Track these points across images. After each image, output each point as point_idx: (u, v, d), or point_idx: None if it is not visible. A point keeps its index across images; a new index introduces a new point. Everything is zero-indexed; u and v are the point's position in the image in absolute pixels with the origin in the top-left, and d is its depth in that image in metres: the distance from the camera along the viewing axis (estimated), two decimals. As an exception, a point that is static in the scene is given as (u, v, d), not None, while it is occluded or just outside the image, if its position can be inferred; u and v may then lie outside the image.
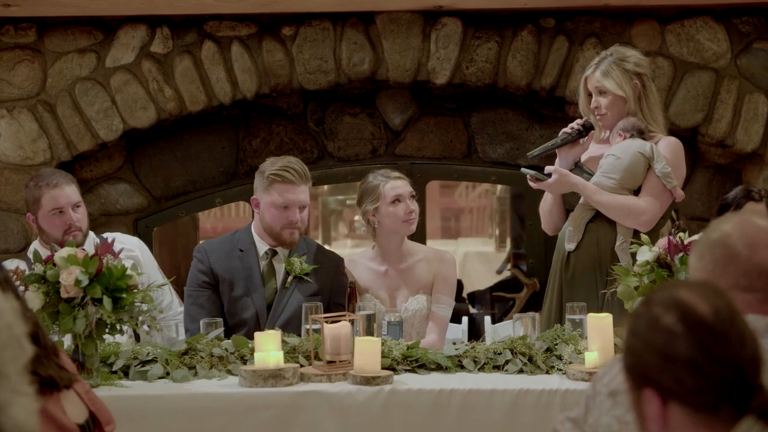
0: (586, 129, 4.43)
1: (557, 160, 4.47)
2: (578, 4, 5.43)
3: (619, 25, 5.50)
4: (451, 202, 10.90)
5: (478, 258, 9.49)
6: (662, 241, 3.84)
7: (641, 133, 4.34)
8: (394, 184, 4.47)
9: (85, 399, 2.63)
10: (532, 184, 4.38)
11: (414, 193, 4.52)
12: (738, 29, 5.51)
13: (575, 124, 4.44)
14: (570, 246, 4.36)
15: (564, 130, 4.45)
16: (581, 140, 4.45)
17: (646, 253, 3.82)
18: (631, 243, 3.97)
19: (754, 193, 4.62)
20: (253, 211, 4.45)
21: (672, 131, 5.58)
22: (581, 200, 4.36)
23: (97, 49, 5.47)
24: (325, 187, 9.31)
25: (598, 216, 4.34)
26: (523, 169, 4.37)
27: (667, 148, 4.35)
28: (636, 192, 4.33)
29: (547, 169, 4.34)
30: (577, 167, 4.44)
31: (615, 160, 4.31)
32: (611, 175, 4.30)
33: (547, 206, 4.52)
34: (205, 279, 4.34)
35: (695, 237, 3.82)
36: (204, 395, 3.57)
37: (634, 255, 3.91)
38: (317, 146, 5.75)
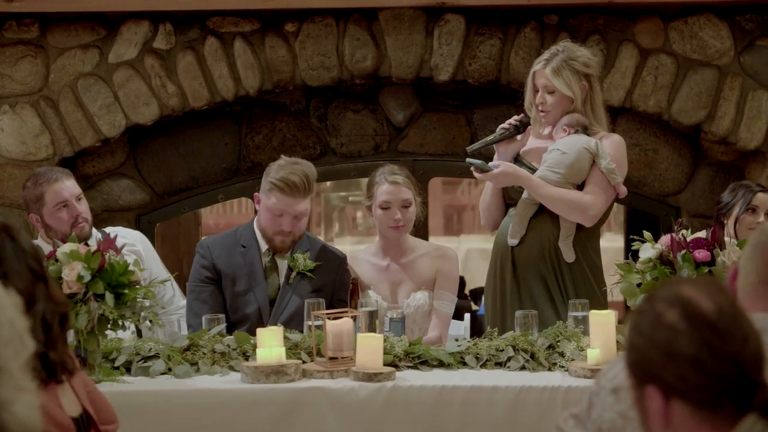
0: (523, 125, 4.45)
1: (495, 156, 4.46)
2: (581, 1, 5.42)
3: (622, 22, 5.50)
4: (454, 198, 10.89)
5: (481, 255, 9.48)
6: (665, 239, 3.84)
7: (585, 129, 4.35)
8: (386, 189, 4.42)
9: (80, 394, 2.63)
10: (477, 175, 4.36)
11: (411, 200, 4.44)
12: (741, 26, 5.50)
13: (512, 120, 4.45)
14: (513, 241, 4.36)
15: (501, 125, 4.47)
16: (518, 136, 4.45)
17: (648, 251, 3.82)
18: (634, 240, 3.96)
19: (752, 185, 4.67)
20: (255, 208, 4.45)
21: (675, 128, 5.60)
22: (524, 195, 4.36)
23: (99, 44, 5.47)
24: (328, 183, 9.31)
25: (540, 211, 4.35)
26: (468, 160, 4.36)
27: (610, 146, 4.36)
28: (579, 187, 4.33)
29: (493, 162, 4.34)
30: (518, 161, 4.45)
31: (561, 155, 4.31)
32: (557, 169, 4.30)
33: (485, 203, 4.52)
34: (208, 274, 4.33)
35: (698, 234, 3.83)
36: (206, 391, 3.57)
37: (635, 251, 3.89)
38: (320, 142, 5.75)
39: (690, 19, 5.48)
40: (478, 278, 8.26)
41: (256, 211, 4.45)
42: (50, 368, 2.52)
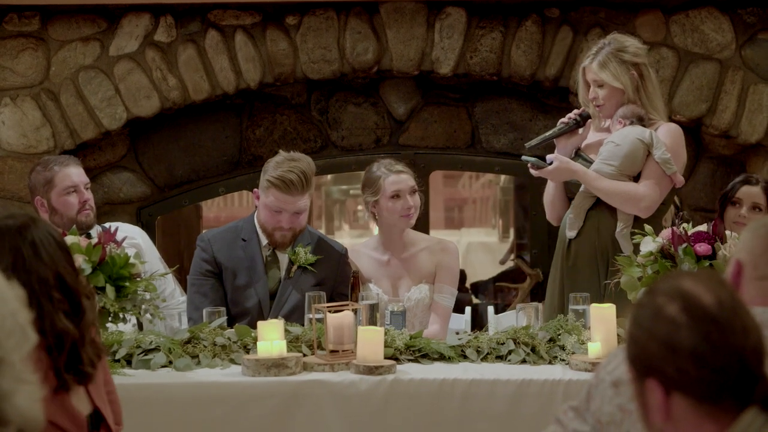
0: (584, 119, 4.45)
1: (556, 150, 4.48)
2: (583, -6, 5.43)
3: (624, 16, 5.49)
4: (455, 192, 10.90)
5: (482, 248, 9.50)
6: (666, 232, 3.84)
7: (641, 120, 4.34)
8: (394, 179, 4.44)
9: (94, 393, 2.63)
10: (533, 171, 4.38)
11: (416, 187, 4.48)
12: (743, 20, 5.50)
13: (572, 114, 4.45)
14: (571, 233, 4.36)
15: (561, 120, 4.47)
16: (579, 130, 4.46)
17: (649, 244, 3.82)
18: (634, 233, 3.97)
19: (750, 178, 4.64)
20: (255, 204, 4.45)
21: (676, 122, 5.58)
22: (582, 187, 4.37)
23: (100, 37, 5.47)
24: (329, 176, 9.31)
25: (598, 203, 4.35)
26: (524, 157, 4.39)
27: (666, 135, 4.35)
28: (636, 179, 4.33)
29: (549, 157, 4.36)
30: (578, 155, 4.46)
31: (614, 147, 4.31)
32: (610, 161, 4.31)
33: (549, 197, 4.53)
34: (209, 268, 4.33)
35: (699, 227, 3.83)
36: (207, 384, 3.58)
37: (636, 244, 3.91)
38: (321, 136, 5.75)
39: (691, 12, 5.48)
40: (479, 272, 8.26)
41: (256, 206, 4.45)
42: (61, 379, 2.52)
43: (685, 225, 3.83)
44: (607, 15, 5.49)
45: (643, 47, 4.45)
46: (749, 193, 4.52)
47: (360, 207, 9.68)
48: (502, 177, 8.86)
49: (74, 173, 4.50)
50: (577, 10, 5.49)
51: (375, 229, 4.70)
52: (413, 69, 5.53)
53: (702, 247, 3.73)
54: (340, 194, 10.35)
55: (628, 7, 5.49)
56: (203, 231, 5.95)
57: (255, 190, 4.40)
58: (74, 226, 4.05)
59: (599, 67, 4.35)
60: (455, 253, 4.60)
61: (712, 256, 3.75)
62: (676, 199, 4.61)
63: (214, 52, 5.47)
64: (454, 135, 5.76)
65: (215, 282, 4.32)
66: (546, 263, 5.68)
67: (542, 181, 4.58)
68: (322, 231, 8.77)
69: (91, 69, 5.47)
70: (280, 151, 4.38)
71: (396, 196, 4.42)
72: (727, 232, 3.83)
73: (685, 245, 3.75)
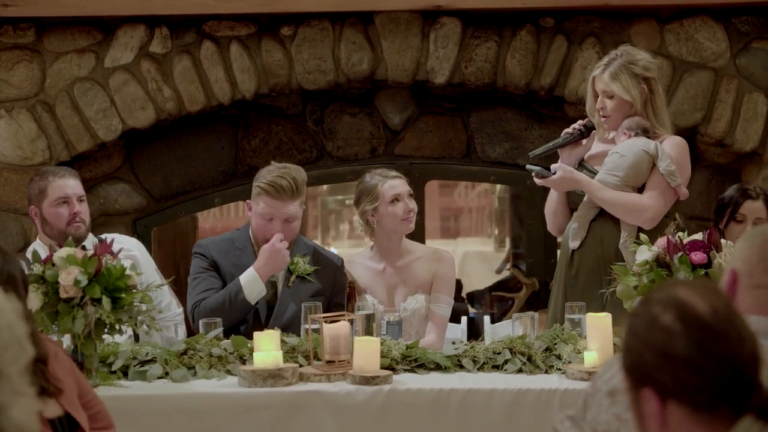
0: (588, 129, 4.45)
1: (560, 160, 4.48)
2: (577, 4, 5.43)
3: (618, 25, 5.50)
4: (451, 201, 10.90)
5: (478, 258, 9.49)
6: (661, 241, 3.84)
7: (646, 132, 4.35)
8: (392, 184, 4.47)
9: (62, 399, 2.68)
10: (537, 180, 4.39)
11: (412, 191, 4.52)
12: (737, 29, 5.51)
13: (577, 125, 4.46)
14: (574, 244, 4.36)
15: (566, 130, 4.47)
16: (583, 141, 4.46)
17: (645, 253, 3.83)
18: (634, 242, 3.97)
19: (750, 191, 4.65)
20: (248, 215, 4.46)
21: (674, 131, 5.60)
22: (585, 198, 4.37)
23: (95, 49, 5.47)
24: (324, 186, 9.31)
25: (602, 214, 4.35)
26: (528, 166, 4.39)
27: (672, 147, 4.35)
28: (640, 190, 4.33)
29: (553, 166, 4.36)
30: (582, 166, 4.46)
31: (619, 158, 4.32)
32: (615, 172, 4.31)
33: (551, 207, 4.53)
34: (209, 267, 4.35)
35: (695, 236, 3.83)
36: (203, 395, 3.58)
37: (633, 252, 3.91)
38: (316, 146, 5.75)
39: (686, 21, 5.49)
40: (475, 281, 8.26)
41: (250, 217, 4.45)
42: None
43: (680, 234, 3.84)
44: (602, 24, 5.50)
45: (653, 61, 4.45)
46: (752, 208, 4.61)
47: (355, 217, 9.68)
48: (498, 186, 8.86)
49: (68, 185, 4.49)
50: (571, 19, 5.50)
51: (369, 240, 4.70)
52: (408, 79, 5.53)
53: (697, 256, 3.74)
54: (336, 204, 10.35)
55: (622, 16, 5.50)
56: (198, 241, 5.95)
57: (248, 201, 4.42)
58: (70, 238, 4.04)
59: (610, 78, 4.35)
60: (451, 262, 4.61)
61: (708, 264, 3.75)
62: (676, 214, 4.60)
63: (210, 63, 5.48)
64: (449, 145, 5.77)
65: (219, 278, 4.33)
66: (542, 272, 5.68)
67: (538, 190, 4.59)
68: (318, 241, 8.77)
69: (86, 80, 5.47)
70: (272, 162, 4.42)
71: (396, 200, 4.45)
72: (723, 241, 3.83)
73: (680, 254, 3.75)
